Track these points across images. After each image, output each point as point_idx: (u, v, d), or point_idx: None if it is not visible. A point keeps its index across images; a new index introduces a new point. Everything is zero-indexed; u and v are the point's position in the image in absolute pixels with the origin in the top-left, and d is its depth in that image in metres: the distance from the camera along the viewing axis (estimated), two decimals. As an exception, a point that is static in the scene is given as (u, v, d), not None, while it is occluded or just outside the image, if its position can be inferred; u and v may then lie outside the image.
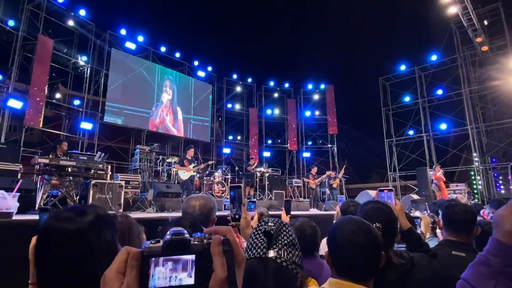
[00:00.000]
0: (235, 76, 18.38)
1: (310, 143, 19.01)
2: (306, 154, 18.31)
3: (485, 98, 15.63)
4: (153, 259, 0.50)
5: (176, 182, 9.24)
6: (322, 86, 19.00)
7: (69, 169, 5.75)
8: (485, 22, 15.08)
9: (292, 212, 2.71)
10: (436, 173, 11.89)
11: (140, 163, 10.01)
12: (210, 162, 10.31)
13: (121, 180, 7.49)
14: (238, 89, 18.54)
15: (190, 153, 9.13)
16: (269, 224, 1.11)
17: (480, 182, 14.72)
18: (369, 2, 22.06)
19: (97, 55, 13.65)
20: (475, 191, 14.74)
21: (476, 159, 14.87)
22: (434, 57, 16.36)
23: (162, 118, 14.60)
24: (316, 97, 19.21)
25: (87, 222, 0.89)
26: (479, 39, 14.63)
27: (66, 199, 5.66)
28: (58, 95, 13.22)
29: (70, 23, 12.94)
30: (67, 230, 0.86)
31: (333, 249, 1.27)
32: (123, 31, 14.27)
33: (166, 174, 10.55)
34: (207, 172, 10.73)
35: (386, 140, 17.39)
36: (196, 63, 16.97)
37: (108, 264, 0.51)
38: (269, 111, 18.87)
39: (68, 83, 13.48)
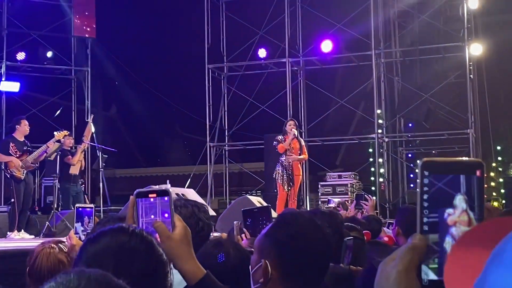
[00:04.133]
0: None
1: (22, 57, 8.11)
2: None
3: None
4: None
5: None
6: None
7: None
8: None
9: None
10: (286, 138, 6.06)
11: None
12: None
13: None
14: None
15: None
16: None
17: (382, 170, 7.14)
18: None
19: None
20: (373, 187, 7.14)
21: (381, 121, 7.10)
22: None
23: None
24: None
25: None
26: None
27: None
28: None
29: None
30: None
31: None
32: None
33: None
34: None
35: (209, 66, 7.93)
36: None
37: None
38: None
39: None
